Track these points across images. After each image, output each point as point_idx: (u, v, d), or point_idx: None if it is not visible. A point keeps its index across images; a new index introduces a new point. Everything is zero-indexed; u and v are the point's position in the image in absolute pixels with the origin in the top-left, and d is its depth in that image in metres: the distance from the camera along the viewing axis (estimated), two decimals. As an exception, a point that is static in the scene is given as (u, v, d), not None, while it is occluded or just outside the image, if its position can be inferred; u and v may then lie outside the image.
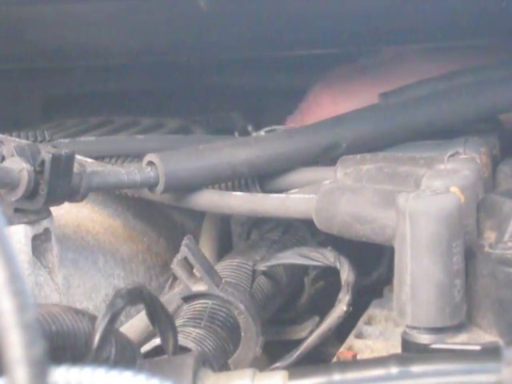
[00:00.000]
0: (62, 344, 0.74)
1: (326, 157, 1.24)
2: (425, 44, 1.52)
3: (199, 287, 1.10)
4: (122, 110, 1.69)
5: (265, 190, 1.25)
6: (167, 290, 1.17)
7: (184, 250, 1.08)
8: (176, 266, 1.09)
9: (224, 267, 1.21)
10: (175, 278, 1.13)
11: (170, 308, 1.14)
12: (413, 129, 1.27)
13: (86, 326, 0.76)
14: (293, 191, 1.21)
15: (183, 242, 1.09)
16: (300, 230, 1.37)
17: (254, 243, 1.34)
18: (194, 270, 1.10)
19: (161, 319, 0.83)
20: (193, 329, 1.07)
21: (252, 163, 1.20)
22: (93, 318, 0.77)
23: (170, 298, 1.14)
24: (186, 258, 1.08)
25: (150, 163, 1.16)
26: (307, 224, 1.32)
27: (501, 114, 1.34)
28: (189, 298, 1.12)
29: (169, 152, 1.18)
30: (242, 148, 1.21)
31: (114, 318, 0.75)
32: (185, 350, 0.99)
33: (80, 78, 1.80)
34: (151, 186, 1.16)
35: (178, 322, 1.09)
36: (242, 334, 1.10)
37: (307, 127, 1.29)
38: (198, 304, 1.12)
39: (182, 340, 1.01)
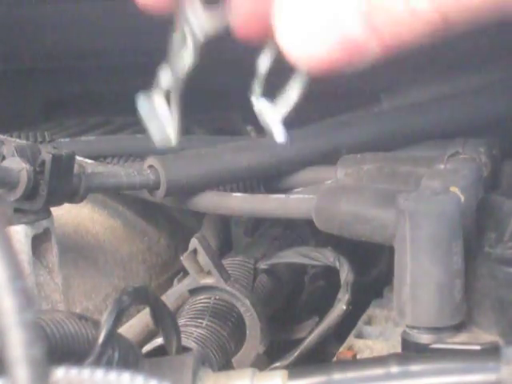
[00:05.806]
0: (67, 350, 0.74)
1: (326, 162, 1.24)
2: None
3: (207, 280, 1.10)
4: (122, 110, 1.69)
5: (268, 190, 1.25)
6: (176, 284, 1.17)
7: (194, 242, 1.08)
8: (185, 258, 1.09)
9: (226, 266, 1.21)
10: (186, 273, 1.12)
11: (176, 300, 1.14)
12: (414, 136, 1.27)
13: (90, 331, 0.76)
14: (296, 190, 1.21)
15: (195, 235, 1.08)
16: (300, 226, 1.37)
17: (254, 240, 1.34)
18: (203, 264, 1.09)
19: (164, 320, 0.83)
20: (194, 329, 1.07)
21: (253, 169, 1.20)
22: (96, 323, 0.77)
23: (176, 290, 1.14)
24: (195, 251, 1.08)
25: (151, 167, 1.16)
26: (308, 223, 1.32)
27: (504, 122, 1.33)
28: (195, 291, 1.12)
29: (170, 156, 1.18)
30: (243, 154, 1.21)
31: (120, 315, 0.75)
32: (187, 350, 0.99)
33: (80, 77, 1.80)
34: (151, 189, 1.16)
35: (180, 321, 1.09)
36: (248, 332, 1.10)
37: (308, 132, 1.28)
38: (199, 303, 1.12)
39: (184, 340, 1.01)
